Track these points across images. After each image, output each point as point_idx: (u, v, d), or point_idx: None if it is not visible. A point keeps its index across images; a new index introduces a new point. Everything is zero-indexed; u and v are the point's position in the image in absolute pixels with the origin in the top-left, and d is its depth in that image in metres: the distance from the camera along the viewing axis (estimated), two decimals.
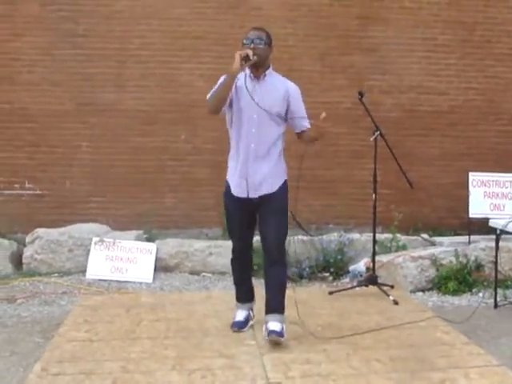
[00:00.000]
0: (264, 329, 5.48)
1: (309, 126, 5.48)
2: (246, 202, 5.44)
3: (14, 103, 8.96)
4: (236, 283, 5.91)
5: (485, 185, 8.48)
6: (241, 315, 5.84)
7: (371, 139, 6.99)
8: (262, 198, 5.42)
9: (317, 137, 5.45)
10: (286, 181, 5.52)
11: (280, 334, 5.34)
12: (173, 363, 5.06)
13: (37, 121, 8.97)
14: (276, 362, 5.07)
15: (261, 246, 5.57)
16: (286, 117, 5.46)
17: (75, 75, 8.97)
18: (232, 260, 5.83)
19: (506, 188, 8.48)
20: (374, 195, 7.12)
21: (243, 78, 5.34)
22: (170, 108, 9.07)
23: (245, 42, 5.30)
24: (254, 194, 5.42)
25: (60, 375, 4.83)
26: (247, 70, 5.36)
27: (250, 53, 5.15)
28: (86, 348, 5.42)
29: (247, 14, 8.96)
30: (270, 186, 5.44)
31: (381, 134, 6.96)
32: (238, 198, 5.46)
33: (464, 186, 8.58)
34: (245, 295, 5.88)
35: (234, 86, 5.30)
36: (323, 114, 5.14)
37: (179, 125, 9.08)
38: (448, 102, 9.44)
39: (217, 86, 5.32)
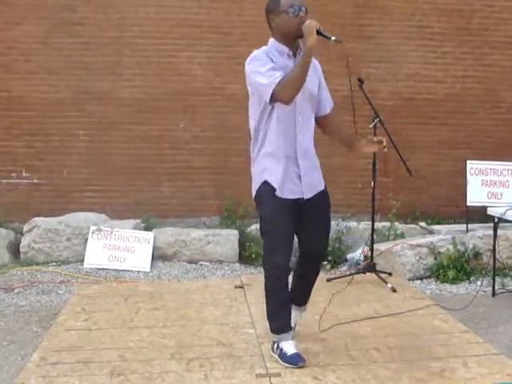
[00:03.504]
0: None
1: (332, 106, 5.02)
2: (296, 203, 4.71)
3: (10, 92, 8.92)
4: (282, 309, 4.83)
5: (482, 173, 8.48)
6: (291, 346, 4.82)
7: (370, 126, 6.97)
8: (314, 197, 4.79)
9: (359, 149, 4.94)
10: None
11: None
12: (171, 352, 5.07)
13: (34, 109, 8.94)
14: None
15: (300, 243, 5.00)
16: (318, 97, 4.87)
17: (72, 63, 8.94)
18: (277, 280, 4.75)
19: (504, 176, 8.48)
20: (372, 183, 7.12)
21: (280, 56, 4.66)
22: (167, 96, 9.04)
23: (287, 10, 4.52)
24: (308, 194, 4.76)
25: (58, 364, 4.84)
26: (283, 47, 4.66)
27: (318, 24, 4.43)
28: (84, 337, 5.43)
29: (244, 1, 8.92)
30: (320, 182, 4.90)
31: (380, 122, 6.94)
32: (288, 201, 4.68)
33: (462, 174, 8.59)
34: (290, 319, 4.94)
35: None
36: (383, 144, 4.75)
37: (177, 113, 9.05)
38: (445, 90, 9.42)
39: (271, 71, 4.50)
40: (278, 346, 4.84)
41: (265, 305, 4.90)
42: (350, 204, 9.02)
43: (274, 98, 4.49)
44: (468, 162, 8.54)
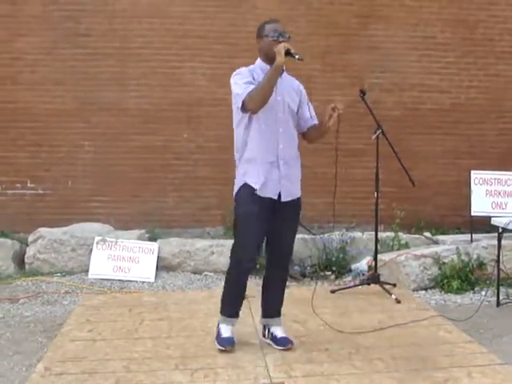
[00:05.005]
0: (266, 333, 5.49)
1: (316, 122, 5.37)
2: (273, 204, 5.15)
3: (16, 103, 8.96)
4: (235, 297, 5.38)
5: (487, 183, 8.49)
6: (229, 331, 5.40)
7: (373, 138, 6.98)
8: (287, 202, 5.21)
9: (323, 131, 5.24)
10: None
11: (291, 341, 5.39)
12: (175, 362, 5.08)
13: (39, 120, 8.97)
14: (279, 361, 5.09)
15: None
16: (297, 115, 5.31)
17: (77, 74, 8.98)
18: (239, 271, 5.27)
19: (508, 186, 8.48)
20: (375, 193, 7.12)
21: (261, 73, 5.13)
22: (172, 107, 9.07)
23: (269, 34, 5.10)
24: (286, 197, 5.19)
25: (63, 375, 4.85)
26: (266, 66, 5.13)
27: (291, 48, 4.92)
28: (88, 347, 5.44)
29: (248, 12, 8.96)
30: (298, 190, 5.31)
31: (382, 132, 6.95)
32: (267, 200, 5.13)
33: (466, 184, 8.59)
34: (239, 310, 5.44)
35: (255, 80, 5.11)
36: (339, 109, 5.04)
37: (182, 123, 9.08)
38: (450, 100, 9.44)
39: (244, 84, 5.05)
40: (218, 325, 5.43)
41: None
42: (353, 214, 9.04)
43: (244, 108, 5.05)
44: (472, 171, 8.55)
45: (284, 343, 5.34)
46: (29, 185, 9.02)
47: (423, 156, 9.30)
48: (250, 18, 8.87)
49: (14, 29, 8.91)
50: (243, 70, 5.22)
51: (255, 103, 4.97)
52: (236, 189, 5.28)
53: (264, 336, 5.50)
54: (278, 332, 5.41)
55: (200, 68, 9.05)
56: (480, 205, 8.43)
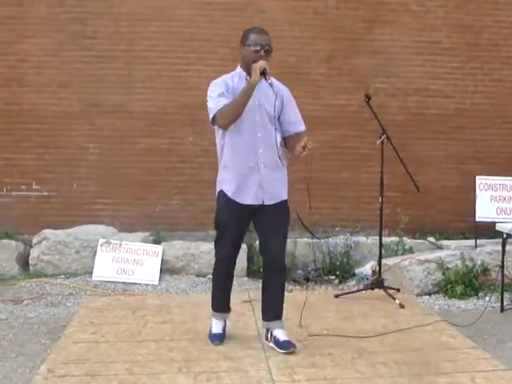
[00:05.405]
0: (269, 336, 5.49)
1: (302, 129, 5.42)
2: (253, 209, 5.32)
3: (22, 104, 8.98)
4: (219, 292, 5.66)
5: (492, 188, 8.48)
6: (219, 327, 5.65)
7: (377, 143, 6.98)
8: (272, 204, 5.33)
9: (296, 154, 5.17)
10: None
11: (294, 345, 5.38)
12: (178, 366, 5.08)
13: (45, 122, 8.99)
14: (281, 365, 5.09)
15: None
16: (279, 120, 5.37)
17: (83, 77, 8.99)
18: (219, 268, 5.60)
19: None
20: (380, 198, 7.12)
21: (239, 80, 5.30)
22: (177, 110, 9.08)
23: (254, 47, 5.16)
24: (269, 201, 5.31)
25: (66, 377, 4.86)
26: (244, 73, 5.30)
27: (267, 68, 5.02)
28: (91, 350, 5.44)
29: (254, 16, 8.94)
30: (282, 193, 5.39)
31: (387, 138, 6.95)
32: (243, 206, 5.29)
33: (471, 189, 8.59)
34: (225, 305, 5.69)
35: (233, 92, 5.23)
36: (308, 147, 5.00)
37: (187, 127, 9.08)
38: (455, 105, 9.43)
39: (217, 98, 5.20)
40: (210, 321, 5.72)
41: None
42: (358, 218, 9.04)
43: (214, 122, 5.26)
44: (477, 177, 8.54)
45: (287, 346, 5.33)
46: (34, 186, 9.04)
47: (428, 161, 9.30)
48: (255, 22, 8.77)
49: (20, 30, 8.92)
50: (219, 80, 5.37)
51: (225, 120, 5.17)
52: (216, 193, 5.49)
53: (267, 339, 5.50)
54: (281, 335, 5.40)
55: (206, 71, 9.04)
56: (485, 210, 8.43)
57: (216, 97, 5.22)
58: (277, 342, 5.39)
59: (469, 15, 9.35)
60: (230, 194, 5.30)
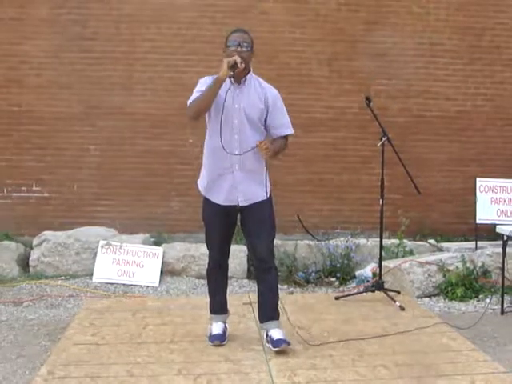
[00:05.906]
0: (265, 337, 5.49)
1: (288, 133, 5.41)
2: (231, 209, 5.37)
3: (22, 106, 8.99)
4: (213, 294, 5.72)
5: (492, 191, 8.47)
6: (218, 328, 5.64)
7: (378, 145, 6.97)
8: (251, 205, 5.35)
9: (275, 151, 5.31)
10: (271, 187, 5.44)
11: (286, 341, 5.34)
12: (179, 368, 5.07)
13: (45, 123, 9.00)
14: (282, 367, 5.07)
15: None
16: (265, 123, 5.36)
17: (83, 78, 9.00)
18: (211, 270, 5.70)
19: None
20: (380, 200, 7.11)
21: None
22: (177, 112, 9.04)
23: (230, 44, 5.23)
24: (244, 202, 5.33)
25: (66, 378, 4.84)
26: None
27: (239, 60, 5.06)
28: (92, 351, 5.43)
29: (255, 18, 8.96)
30: (260, 194, 5.35)
31: (388, 140, 6.93)
32: (220, 206, 5.37)
33: (471, 191, 8.59)
34: (221, 307, 5.71)
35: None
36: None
37: (187, 128, 9.06)
38: (456, 107, 9.43)
39: (195, 93, 5.30)
40: (210, 324, 5.71)
41: None
42: (359, 221, 9.04)
43: (187, 114, 5.36)
44: (478, 179, 8.54)
45: (278, 344, 5.30)
46: (34, 188, 9.04)
47: (428, 163, 9.30)
48: (257, 24, 8.86)
49: (21, 32, 8.93)
50: (203, 79, 5.45)
51: (192, 112, 5.29)
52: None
53: (267, 341, 5.49)
54: (275, 334, 5.37)
55: (206, 73, 8.99)
56: (485, 212, 8.42)
57: (194, 92, 5.32)
58: (271, 342, 5.38)
59: (470, 17, 9.36)
60: (202, 191, 5.48)
